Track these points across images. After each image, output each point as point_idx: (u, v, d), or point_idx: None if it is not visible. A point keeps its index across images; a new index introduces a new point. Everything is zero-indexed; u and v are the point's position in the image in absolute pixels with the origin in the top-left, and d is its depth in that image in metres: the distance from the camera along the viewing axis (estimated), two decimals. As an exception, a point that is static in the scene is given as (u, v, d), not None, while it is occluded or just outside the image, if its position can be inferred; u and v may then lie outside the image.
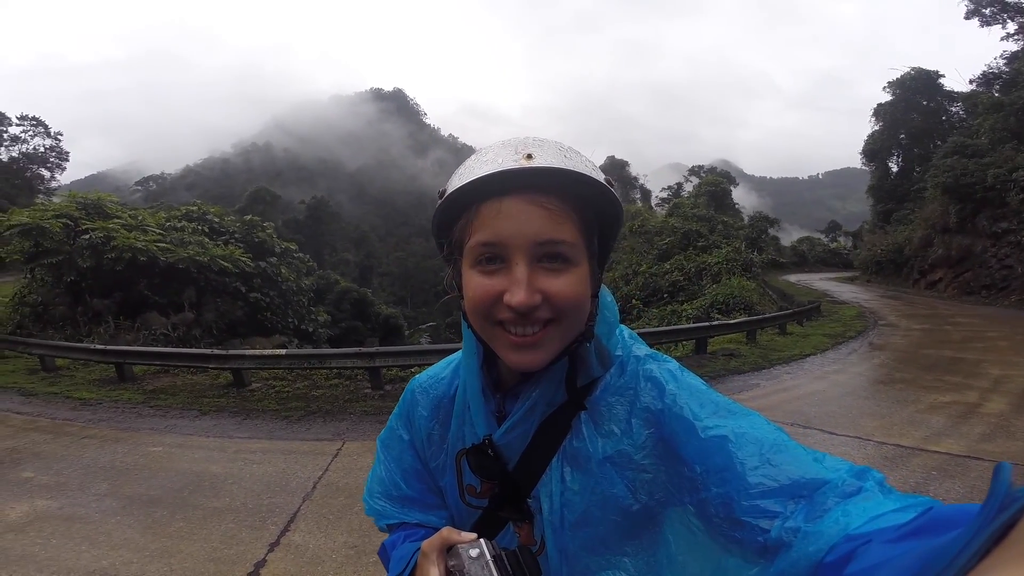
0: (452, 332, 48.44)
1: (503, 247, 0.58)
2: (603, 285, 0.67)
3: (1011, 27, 25.35)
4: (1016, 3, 24.85)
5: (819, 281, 30.03)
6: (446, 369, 0.81)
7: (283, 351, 8.21)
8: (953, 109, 32.43)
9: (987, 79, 26.56)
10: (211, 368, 7.91)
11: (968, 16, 26.55)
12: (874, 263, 29.61)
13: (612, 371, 0.66)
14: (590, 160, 0.62)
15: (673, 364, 0.66)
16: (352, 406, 6.60)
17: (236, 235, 17.07)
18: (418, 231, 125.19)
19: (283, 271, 17.41)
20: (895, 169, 35.18)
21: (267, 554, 3.10)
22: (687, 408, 0.58)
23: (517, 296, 0.57)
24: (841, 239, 60.50)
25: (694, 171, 66.97)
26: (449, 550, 0.59)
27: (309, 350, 10.39)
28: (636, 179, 72.81)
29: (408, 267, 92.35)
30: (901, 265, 26.63)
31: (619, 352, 0.68)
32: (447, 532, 0.60)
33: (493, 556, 0.57)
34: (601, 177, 0.60)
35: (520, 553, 0.57)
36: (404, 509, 0.79)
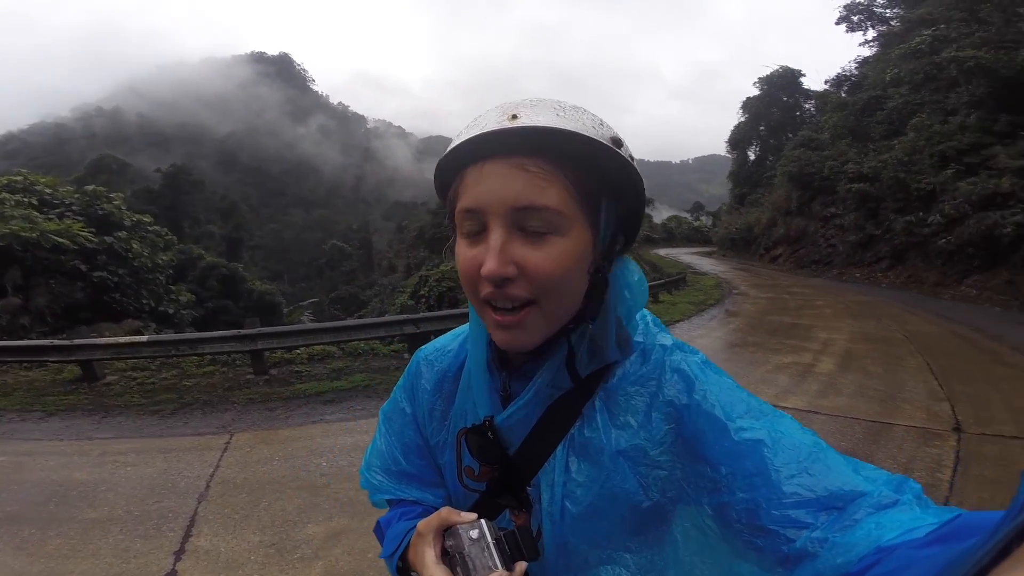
0: (336, 308, 46.05)
1: (482, 213, 0.53)
2: (628, 260, 0.61)
3: (871, 34, 28.65)
4: (881, 14, 28.06)
5: (684, 255, 33.38)
6: (454, 341, 0.76)
7: (144, 337, 7.26)
8: (807, 106, 36.45)
9: (839, 80, 29.89)
10: (52, 362, 6.79)
11: (838, 22, 29.28)
12: (729, 240, 33.68)
13: (633, 358, 0.61)
14: (598, 118, 0.55)
15: (700, 356, 0.61)
16: (234, 394, 6.09)
17: (74, 208, 14.64)
18: (296, 201, 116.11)
19: (134, 246, 15.33)
20: (752, 157, 39.31)
21: (175, 564, 2.81)
22: (718, 406, 0.54)
23: (487, 265, 0.52)
24: (703, 218, 67.28)
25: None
26: (447, 531, 0.57)
27: (177, 335, 9.31)
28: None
29: (284, 240, 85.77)
30: (750, 242, 30.56)
31: (640, 338, 0.62)
32: (446, 512, 0.57)
33: (494, 539, 0.55)
34: (605, 136, 0.53)
35: (519, 534, 0.56)
36: (402, 485, 0.74)
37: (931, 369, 6.21)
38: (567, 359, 0.59)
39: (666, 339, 0.63)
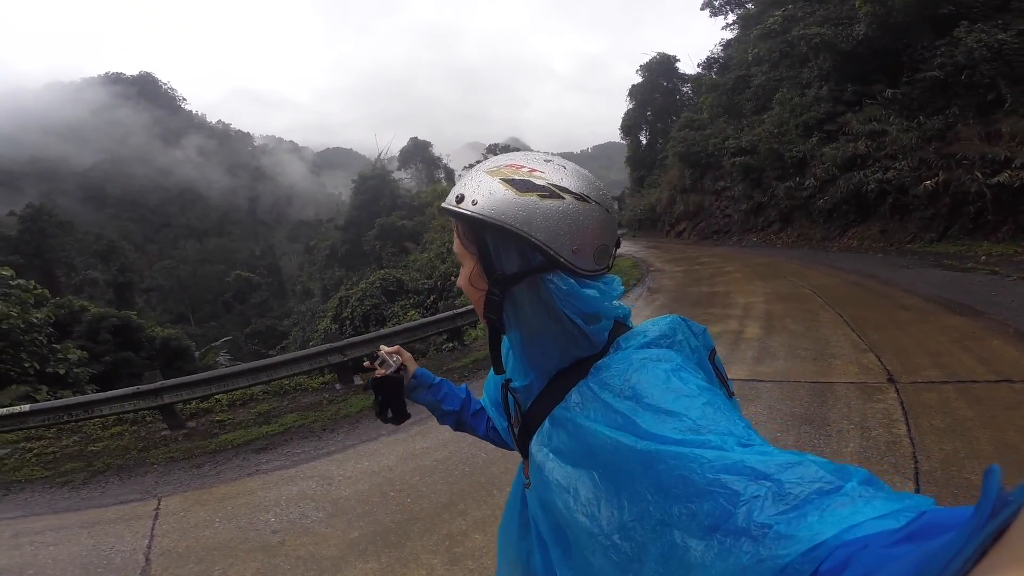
0: (254, 344, 43.00)
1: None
2: (567, 279, 0.73)
3: (731, 18, 30.58)
4: None
5: (598, 241, 34.44)
6: None
7: (26, 407, 6.32)
8: (684, 89, 38.67)
9: (709, 63, 31.97)
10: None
11: (702, 7, 31.37)
12: (636, 221, 35.31)
13: (607, 358, 0.73)
14: (465, 181, 0.75)
15: (669, 365, 0.67)
16: (151, 455, 5.47)
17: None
18: (185, 232, 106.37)
19: (-1, 306, 13.35)
20: (644, 142, 41.18)
21: None
22: (650, 402, 0.62)
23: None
24: (610, 204, 70.31)
25: (491, 149, 70.35)
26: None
27: (65, 400, 8.15)
28: (439, 159, 73.60)
29: (181, 277, 78.51)
30: (656, 220, 32.29)
31: (631, 341, 0.75)
32: (396, 348, 1.14)
33: (382, 359, 1.10)
34: (451, 201, 0.75)
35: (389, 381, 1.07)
36: (491, 408, 1.08)
37: (845, 321, 6.54)
38: (490, 344, 0.82)
39: (640, 353, 0.71)
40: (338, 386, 7.17)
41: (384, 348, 1.11)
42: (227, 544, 3.42)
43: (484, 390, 1.11)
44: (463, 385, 1.17)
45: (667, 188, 30.34)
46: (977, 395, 4.07)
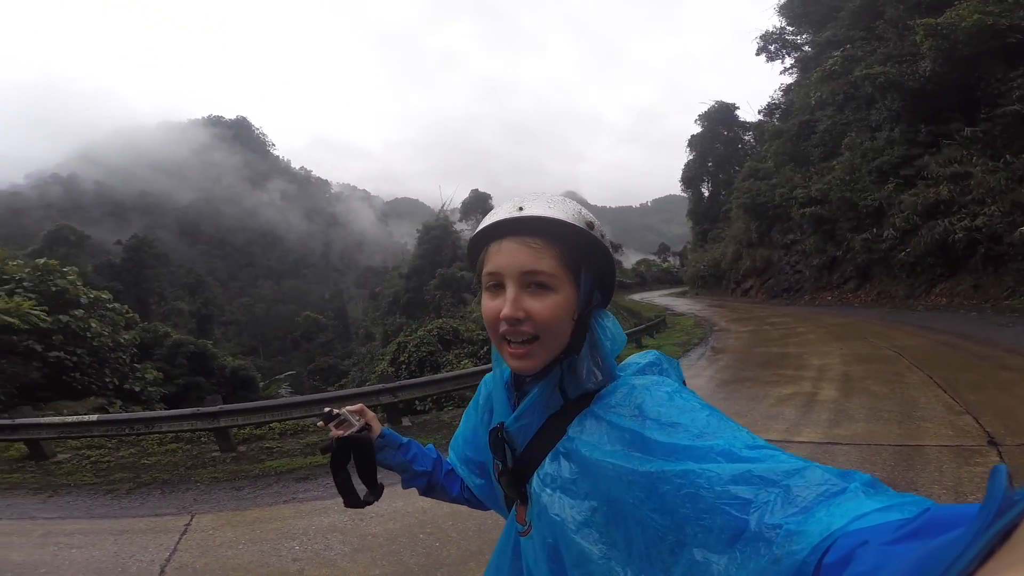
0: (316, 379, 44.60)
1: (501, 275, 0.73)
2: (606, 312, 0.80)
3: (788, 62, 30.01)
4: (793, 41, 29.51)
5: (659, 297, 33.59)
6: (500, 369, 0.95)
7: (95, 416, 6.69)
8: (746, 137, 37.94)
9: (770, 109, 31.27)
10: (-5, 442, 6.20)
11: (758, 53, 30.69)
12: (699, 278, 34.08)
13: (609, 389, 0.74)
14: (576, 207, 0.75)
15: (668, 388, 0.70)
16: (197, 473, 5.57)
17: (25, 283, 13.95)
18: (265, 272, 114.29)
19: (93, 325, 14.61)
20: (707, 193, 40.26)
21: None
22: (658, 422, 0.64)
23: (506, 309, 0.71)
24: (671, 259, 68.64)
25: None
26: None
27: (130, 414, 8.65)
28: (498, 212, 75.88)
29: (256, 314, 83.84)
30: (720, 277, 30.96)
31: (623, 372, 0.78)
32: (370, 413, 0.99)
33: (343, 418, 0.95)
34: (581, 222, 0.72)
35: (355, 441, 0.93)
36: (461, 466, 1.02)
37: (936, 382, 6.05)
38: (559, 381, 0.76)
39: (642, 380, 0.73)
40: (387, 425, 7.13)
41: (347, 408, 0.97)
42: (245, 566, 3.33)
43: (451, 449, 1.05)
44: (430, 444, 1.09)
45: (732, 242, 29.10)
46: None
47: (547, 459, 0.74)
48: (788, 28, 29.42)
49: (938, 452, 4.06)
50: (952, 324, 10.36)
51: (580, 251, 0.74)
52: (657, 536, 0.55)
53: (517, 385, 0.84)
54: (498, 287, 0.74)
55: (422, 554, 3.37)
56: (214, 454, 6.24)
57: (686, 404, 0.66)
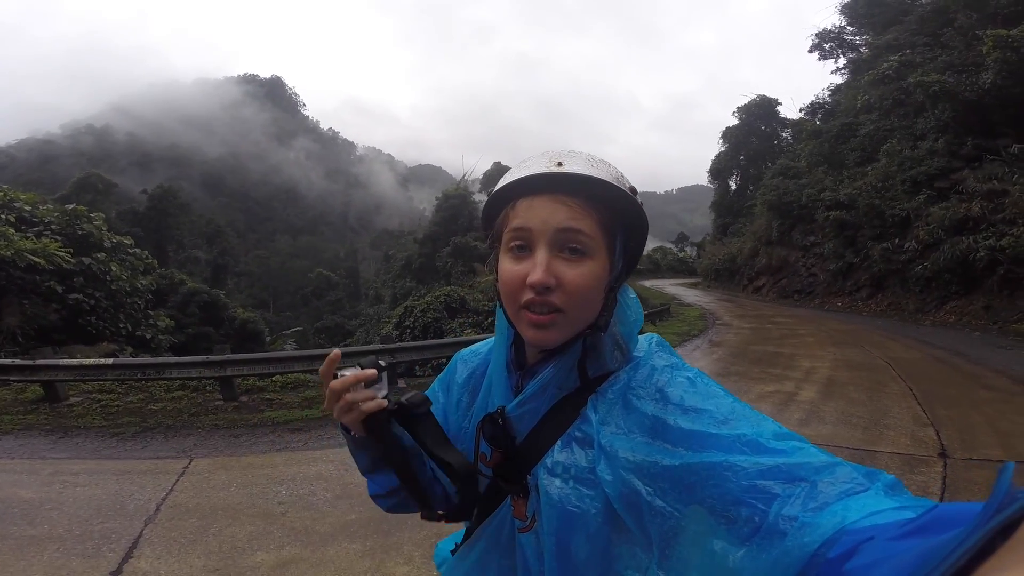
0: (321, 337, 45.33)
1: (530, 232, 0.66)
2: (627, 286, 0.74)
3: (842, 61, 28.91)
4: (851, 41, 28.44)
5: (670, 286, 33.41)
6: (485, 347, 0.89)
7: (110, 360, 7.07)
8: (784, 134, 36.78)
9: (814, 108, 30.20)
10: (13, 381, 6.58)
11: (811, 50, 29.50)
12: (713, 270, 33.75)
13: (627, 370, 0.70)
14: (617, 170, 0.69)
15: (691, 372, 0.67)
16: (200, 420, 5.91)
17: (53, 226, 14.41)
18: (283, 227, 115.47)
19: (114, 268, 15.07)
20: (734, 187, 39.46)
21: None
22: (686, 411, 0.61)
23: (535, 275, 0.64)
24: (688, 249, 67.74)
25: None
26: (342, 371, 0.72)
27: (142, 359, 9.06)
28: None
29: (271, 267, 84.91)
30: (734, 272, 30.61)
31: (639, 354, 0.72)
32: (336, 353, 0.74)
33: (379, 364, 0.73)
34: (625, 186, 0.68)
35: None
36: None
37: (914, 394, 6.17)
38: (580, 360, 0.69)
39: (661, 360, 0.70)
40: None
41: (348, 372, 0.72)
42: (233, 507, 3.62)
43: None
44: None
45: (751, 239, 28.56)
46: (1034, 478, 3.61)
47: (557, 446, 0.69)
48: (848, 28, 28.36)
49: (888, 459, 4.25)
50: (951, 341, 10.34)
51: (620, 217, 0.69)
52: (679, 526, 0.54)
53: (519, 364, 0.76)
54: (523, 248, 0.67)
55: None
56: (217, 402, 6.56)
57: (709, 390, 0.63)
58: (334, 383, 0.70)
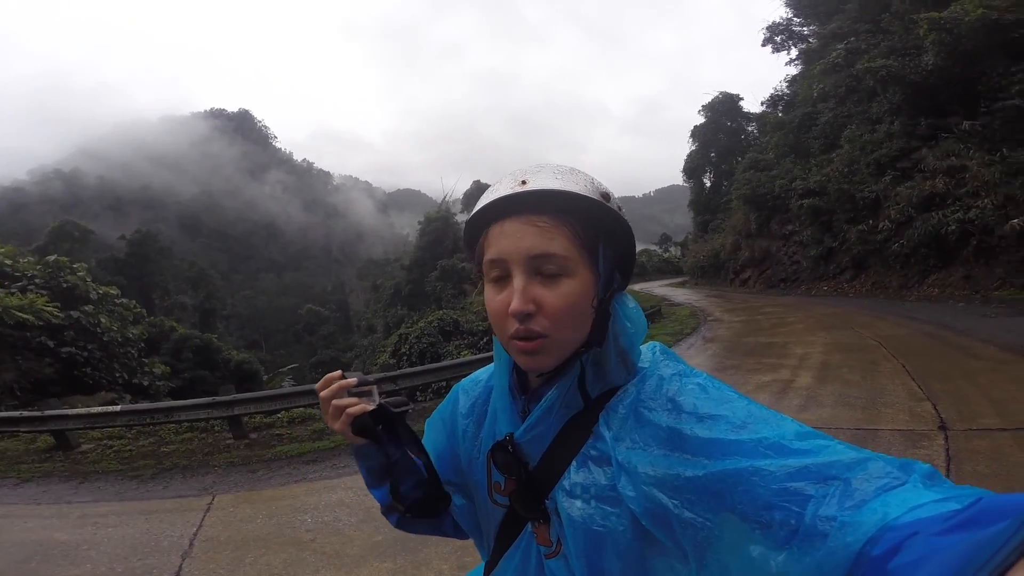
0: (317, 373, 44.82)
1: (505, 263, 0.64)
2: (626, 295, 0.71)
3: (794, 53, 29.50)
4: (800, 32, 29.16)
5: (658, 288, 33.67)
6: (486, 374, 0.87)
7: (117, 407, 7.12)
8: (749, 128, 37.47)
9: (774, 100, 30.90)
10: (23, 432, 6.63)
11: (764, 43, 30.26)
12: (698, 268, 34.16)
13: (635, 382, 0.68)
14: (588, 177, 0.66)
15: (701, 378, 0.66)
16: (215, 458, 5.97)
17: (37, 280, 14.32)
18: (267, 264, 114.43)
19: (103, 320, 14.97)
20: (708, 184, 39.95)
21: None
22: (702, 419, 0.59)
23: (514, 304, 0.62)
24: (672, 249, 68.44)
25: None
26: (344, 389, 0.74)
27: (150, 404, 9.04)
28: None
29: (258, 307, 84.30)
30: (719, 268, 30.97)
31: (645, 365, 0.70)
32: (337, 375, 0.76)
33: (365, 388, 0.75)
34: (595, 193, 0.63)
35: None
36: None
37: (907, 371, 6.28)
38: (579, 379, 0.68)
39: (668, 368, 0.69)
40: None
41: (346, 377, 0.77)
42: (264, 537, 3.70)
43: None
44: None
45: (731, 233, 29.04)
46: (1034, 440, 3.84)
47: (573, 467, 0.67)
48: (795, 19, 29.23)
49: (890, 435, 4.33)
50: (937, 315, 10.60)
51: (596, 227, 0.65)
52: (713, 536, 0.53)
53: (523, 388, 0.74)
54: (503, 278, 0.65)
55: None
56: (228, 441, 6.61)
57: (721, 394, 0.62)
58: (324, 392, 0.75)
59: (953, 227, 13.57)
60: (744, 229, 27.25)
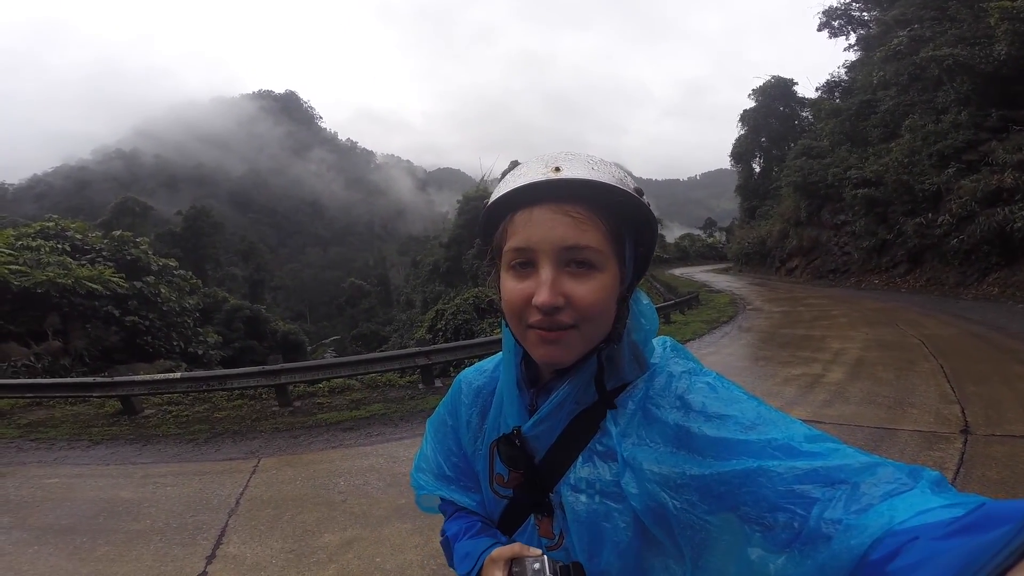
0: (358, 344, 46.52)
1: (532, 252, 0.61)
2: (639, 291, 0.69)
3: (853, 39, 28.35)
4: (859, 17, 27.89)
5: (700, 273, 32.93)
6: (491, 363, 0.86)
7: (178, 374, 7.72)
8: (803, 114, 36.05)
9: (830, 86, 29.49)
10: (95, 397, 7.25)
11: (820, 28, 29.15)
12: (743, 255, 33.20)
13: (645, 379, 0.67)
14: (621, 170, 0.64)
15: (710, 377, 0.65)
16: (262, 424, 6.42)
17: (104, 253, 15.42)
18: (313, 240, 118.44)
19: (163, 291, 15.98)
20: (757, 170, 38.82)
21: (207, 566, 3.13)
22: (711, 418, 0.59)
23: (541, 296, 0.59)
24: (716, 234, 66.46)
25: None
26: (515, 560, 0.65)
27: (207, 372, 9.73)
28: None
29: (304, 279, 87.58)
30: (765, 255, 30.04)
31: (655, 361, 0.70)
32: (518, 547, 0.67)
33: (552, 571, 0.63)
34: (629, 187, 0.62)
35: (573, 569, 0.63)
36: (443, 486, 0.84)
37: (944, 372, 6.13)
38: (597, 374, 0.67)
39: (678, 366, 0.68)
40: (421, 386, 7.86)
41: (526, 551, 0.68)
42: (301, 497, 4.07)
43: (425, 474, 0.87)
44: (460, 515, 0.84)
45: (779, 221, 28.16)
46: (1058, 451, 3.77)
47: (579, 462, 0.66)
48: (855, 4, 27.76)
49: (909, 436, 4.32)
50: (992, 315, 10.12)
51: (626, 223, 0.64)
52: (710, 537, 0.53)
53: (531, 381, 0.73)
54: (526, 265, 0.62)
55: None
56: (273, 408, 7.08)
57: (731, 394, 0.61)
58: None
59: (1020, 224, 12.80)
60: (793, 217, 26.33)
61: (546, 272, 0.60)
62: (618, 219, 0.63)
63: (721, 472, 0.53)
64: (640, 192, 0.63)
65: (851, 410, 5.10)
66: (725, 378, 0.66)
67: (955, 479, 3.49)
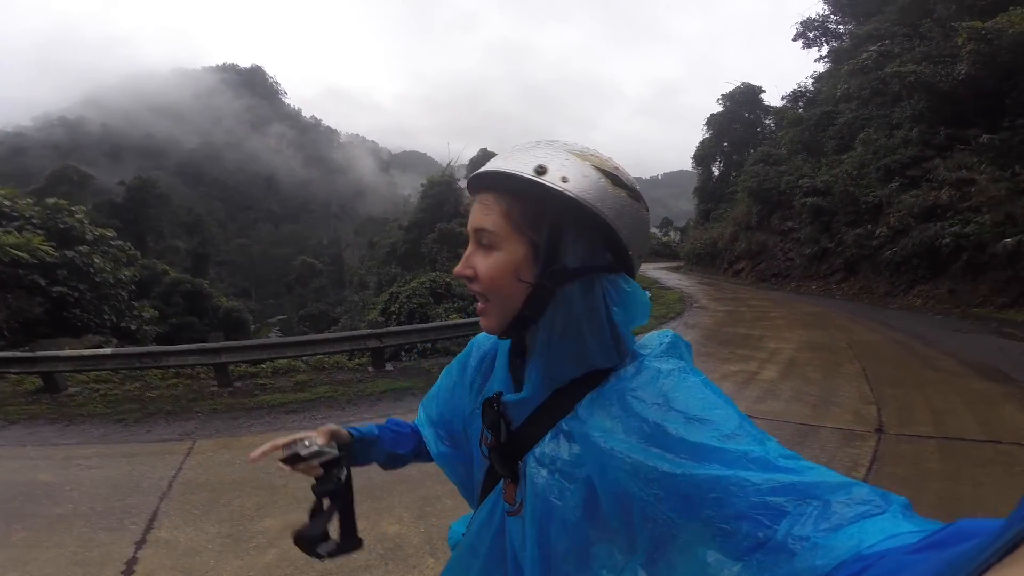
0: (305, 325, 45.21)
1: (468, 232, 0.71)
2: (622, 277, 0.69)
3: (825, 50, 29.17)
4: (835, 30, 28.70)
5: (652, 270, 33.64)
6: None
7: (108, 350, 7.27)
8: (767, 121, 36.99)
9: (796, 96, 30.53)
10: (12, 373, 6.76)
11: (795, 38, 29.76)
12: (695, 255, 34.24)
13: (629, 370, 0.68)
14: (548, 152, 0.66)
15: (698, 379, 0.66)
16: (198, 405, 6.16)
17: (34, 220, 14.30)
18: (265, 215, 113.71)
19: (96, 261, 15.00)
20: (717, 173, 39.79)
21: (136, 552, 2.99)
22: (688, 423, 0.59)
23: (457, 266, 0.71)
24: (672, 233, 68.35)
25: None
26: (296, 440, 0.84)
27: (141, 348, 9.25)
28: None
29: (252, 256, 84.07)
30: (715, 256, 31.03)
31: (645, 352, 0.71)
32: (327, 428, 0.88)
33: (314, 455, 0.84)
34: (530, 170, 0.64)
35: (335, 463, 0.86)
36: (425, 423, 0.97)
37: (865, 374, 6.51)
38: (511, 349, 0.76)
39: (667, 363, 0.68)
40: (371, 369, 7.72)
41: (302, 435, 0.87)
42: (239, 481, 3.94)
43: (422, 407, 0.99)
44: (410, 423, 1.01)
45: (732, 224, 29.04)
46: (955, 451, 4.13)
47: (547, 437, 0.69)
48: (832, 16, 28.65)
49: (830, 433, 4.60)
50: (913, 324, 10.82)
51: (540, 205, 0.65)
52: (669, 533, 0.54)
53: (520, 353, 0.77)
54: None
55: (389, 473, 3.82)
56: (212, 388, 6.80)
57: (716, 400, 0.62)
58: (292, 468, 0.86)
59: (948, 240, 13.57)
60: (745, 221, 27.25)
61: (468, 248, 0.71)
62: (528, 203, 0.66)
63: (693, 474, 0.53)
64: (541, 170, 0.64)
65: (781, 407, 5.37)
66: (714, 384, 0.67)
67: (867, 475, 3.74)
